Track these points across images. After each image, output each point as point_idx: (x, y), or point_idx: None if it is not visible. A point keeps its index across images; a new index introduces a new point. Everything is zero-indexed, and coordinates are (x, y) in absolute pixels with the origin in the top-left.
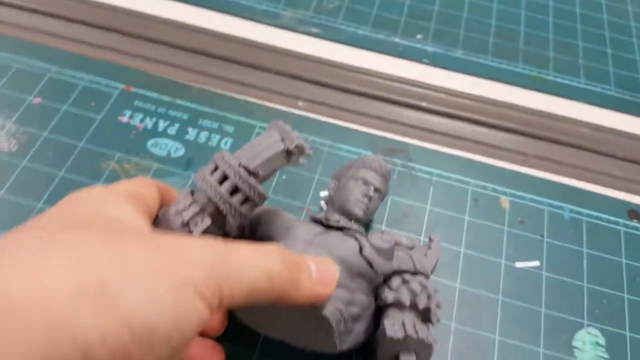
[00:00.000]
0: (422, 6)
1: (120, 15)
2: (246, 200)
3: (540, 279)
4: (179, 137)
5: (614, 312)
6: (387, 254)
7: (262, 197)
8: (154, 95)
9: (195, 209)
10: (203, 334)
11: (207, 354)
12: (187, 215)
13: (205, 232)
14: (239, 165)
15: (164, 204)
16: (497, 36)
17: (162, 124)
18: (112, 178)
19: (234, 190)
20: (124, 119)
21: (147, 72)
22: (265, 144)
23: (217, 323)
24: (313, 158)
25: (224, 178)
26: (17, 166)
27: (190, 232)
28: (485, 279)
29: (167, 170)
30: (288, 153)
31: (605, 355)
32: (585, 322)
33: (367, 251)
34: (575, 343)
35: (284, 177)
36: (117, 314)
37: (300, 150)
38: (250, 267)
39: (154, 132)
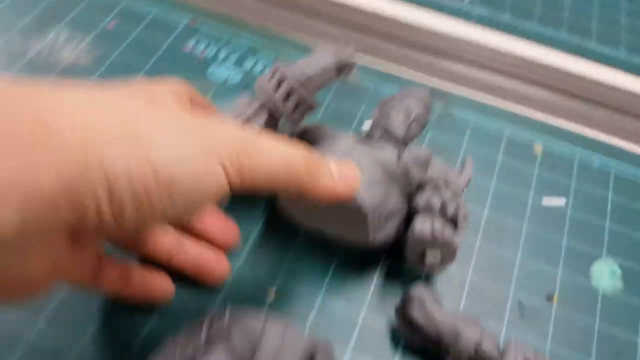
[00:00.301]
0: None
1: None
2: (297, 106)
3: (564, 215)
4: (237, 66)
5: (633, 250)
6: (423, 164)
7: (312, 106)
8: (216, 29)
9: (252, 110)
10: (219, 246)
11: (222, 227)
12: (246, 114)
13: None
14: (294, 74)
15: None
16: (543, 4)
17: (221, 54)
18: None
19: (288, 97)
20: (187, 48)
21: (211, 8)
22: (319, 58)
23: (230, 234)
24: (358, 97)
25: (279, 85)
26: (88, 78)
27: None
28: (512, 209)
29: (224, 93)
30: (338, 69)
31: (620, 284)
32: (604, 254)
33: (405, 159)
34: (592, 270)
35: (331, 106)
36: (146, 158)
37: (349, 66)
38: (272, 153)
39: (214, 60)
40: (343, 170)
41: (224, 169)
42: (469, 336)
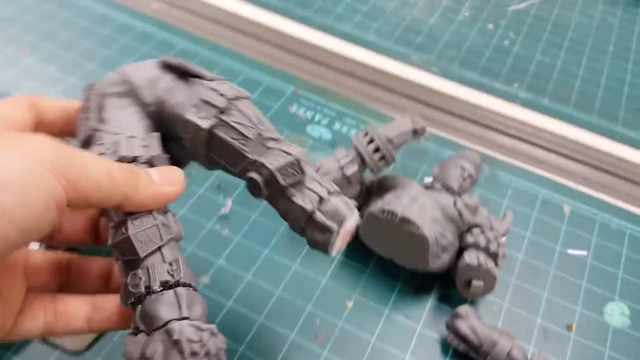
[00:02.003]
0: (521, 65)
1: (298, 43)
2: (382, 158)
3: (585, 264)
4: (329, 126)
5: None
6: (473, 209)
7: (393, 159)
8: (314, 97)
9: (348, 158)
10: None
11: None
12: (343, 162)
13: (353, 175)
14: (381, 135)
15: (43, 117)
16: (578, 94)
17: (317, 117)
18: None
19: (376, 150)
20: (292, 110)
21: (311, 81)
22: (400, 123)
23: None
24: (421, 155)
25: (371, 141)
26: None
27: (344, 174)
28: (542, 256)
29: (318, 147)
30: (414, 132)
31: (628, 322)
32: (617, 298)
33: (459, 204)
34: (605, 309)
35: (400, 164)
36: None
37: (422, 131)
38: (94, 166)
39: (311, 121)
40: (165, 174)
41: (54, 175)
42: (503, 345)
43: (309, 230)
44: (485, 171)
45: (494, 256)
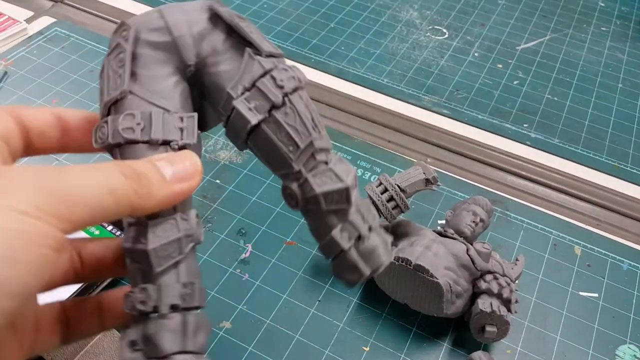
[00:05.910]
0: (531, 104)
1: (311, 88)
2: (396, 206)
3: (597, 306)
4: None
5: None
6: (485, 256)
7: (406, 207)
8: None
9: None
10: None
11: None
12: None
13: None
14: (394, 184)
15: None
16: (588, 133)
17: None
18: None
19: (390, 199)
20: None
21: (327, 125)
22: (412, 173)
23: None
24: (434, 198)
25: (385, 190)
26: (241, 172)
27: None
28: (554, 298)
29: None
30: (426, 181)
31: None
32: (628, 340)
33: (472, 252)
34: (617, 352)
35: (413, 206)
36: None
37: (434, 180)
38: (87, 187)
39: None
40: (179, 163)
41: (43, 222)
42: None
43: (339, 264)
44: (497, 212)
45: (506, 302)
